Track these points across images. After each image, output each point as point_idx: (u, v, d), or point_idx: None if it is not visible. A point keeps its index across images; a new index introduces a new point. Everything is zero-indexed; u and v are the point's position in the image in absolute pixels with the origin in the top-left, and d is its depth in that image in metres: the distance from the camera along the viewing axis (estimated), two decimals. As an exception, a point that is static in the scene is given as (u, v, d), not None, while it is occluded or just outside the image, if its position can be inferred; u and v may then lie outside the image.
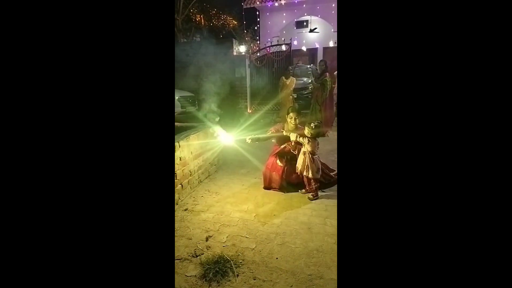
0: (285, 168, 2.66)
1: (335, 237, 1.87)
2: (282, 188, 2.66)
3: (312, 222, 2.08)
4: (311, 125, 2.44)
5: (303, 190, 2.59)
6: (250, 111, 7.02)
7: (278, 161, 2.70)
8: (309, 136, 2.43)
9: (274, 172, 2.69)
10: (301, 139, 2.46)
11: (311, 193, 2.50)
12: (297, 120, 2.65)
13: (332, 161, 3.46)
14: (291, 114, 2.68)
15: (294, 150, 2.65)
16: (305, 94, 6.83)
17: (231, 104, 6.57)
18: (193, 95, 6.05)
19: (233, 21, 16.24)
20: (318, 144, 2.49)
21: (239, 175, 3.13)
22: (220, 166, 3.36)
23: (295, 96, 6.34)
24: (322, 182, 2.63)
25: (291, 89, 5.50)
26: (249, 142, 2.67)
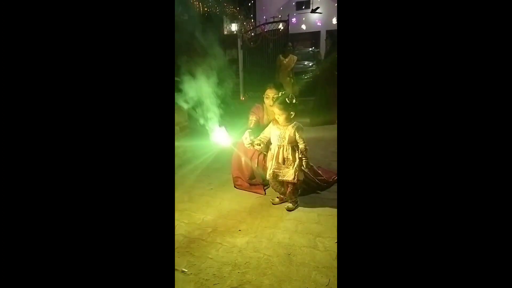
0: (262, 155, 1.88)
1: (333, 271, 1.11)
2: (252, 183, 1.93)
3: (294, 244, 1.33)
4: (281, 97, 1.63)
5: (276, 199, 1.76)
6: (242, 98, 6.25)
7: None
8: (274, 105, 1.63)
9: (243, 158, 1.94)
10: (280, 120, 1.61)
11: (290, 201, 1.69)
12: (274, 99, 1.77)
13: (331, 153, 2.70)
14: (267, 91, 1.82)
15: (266, 151, 1.78)
16: (306, 79, 6.05)
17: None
18: (178, 79, 5.35)
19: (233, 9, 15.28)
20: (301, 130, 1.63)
21: (208, 170, 2.40)
22: (188, 159, 2.62)
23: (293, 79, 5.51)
24: (305, 187, 1.81)
25: (290, 69, 4.59)
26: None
